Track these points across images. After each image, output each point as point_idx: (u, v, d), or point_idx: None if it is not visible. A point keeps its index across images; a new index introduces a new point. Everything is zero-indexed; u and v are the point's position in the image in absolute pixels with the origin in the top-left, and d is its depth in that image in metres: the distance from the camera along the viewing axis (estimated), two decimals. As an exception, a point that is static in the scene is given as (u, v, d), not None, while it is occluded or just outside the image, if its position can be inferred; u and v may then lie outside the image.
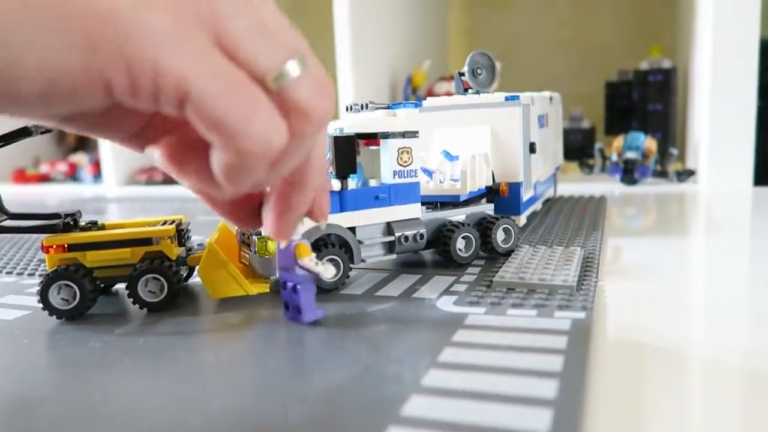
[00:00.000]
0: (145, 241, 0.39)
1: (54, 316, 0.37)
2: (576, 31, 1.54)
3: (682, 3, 1.29)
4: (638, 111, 1.17)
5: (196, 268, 0.41)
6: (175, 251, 0.40)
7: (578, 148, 1.18)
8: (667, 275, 0.44)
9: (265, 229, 0.26)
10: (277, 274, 0.36)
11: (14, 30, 0.18)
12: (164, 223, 0.42)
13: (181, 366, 0.30)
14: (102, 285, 0.40)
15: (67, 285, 0.37)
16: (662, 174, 0.95)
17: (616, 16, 1.50)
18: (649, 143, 0.94)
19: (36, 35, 0.18)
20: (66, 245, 0.38)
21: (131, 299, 0.38)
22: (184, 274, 0.43)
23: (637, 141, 0.93)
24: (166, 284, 0.38)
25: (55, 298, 0.37)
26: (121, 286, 0.43)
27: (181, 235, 0.41)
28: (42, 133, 0.39)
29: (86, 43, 0.19)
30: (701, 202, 0.80)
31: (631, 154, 0.92)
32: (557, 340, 0.30)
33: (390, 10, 1.20)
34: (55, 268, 0.38)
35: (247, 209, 0.26)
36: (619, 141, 0.95)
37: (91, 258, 0.38)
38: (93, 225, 0.41)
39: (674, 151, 0.95)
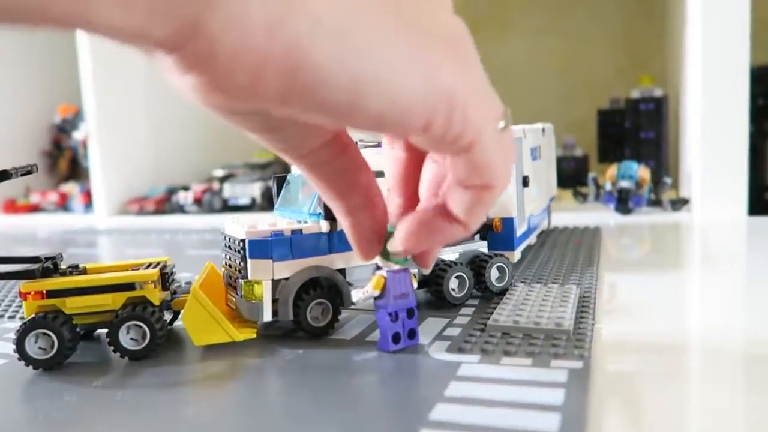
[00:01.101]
0: (128, 286, 0.38)
1: (31, 366, 0.36)
2: (567, 59, 1.55)
3: (671, 32, 1.30)
4: (631, 139, 1.17)
5: (181, 312, 0.40)
6: (158, 296, 0.38)
7: (571, 176, 1.18)
8: (665, 316, 0.43)
9: (401, 242, 0.28)
10: (377, 307, 0.36)
11: (374, 48, 0.18)
12: (148, 266, 0.41)
13: (159, 424, 0.28)
14: (82, 332, 0.38)
15: (45, 334, 0.36)
16: (656, 203, 0.95)
17: (607, 45, 1.52)
18: (643, 172, 0.93)
19: (392, 51, 0.18)
20: (44, 291, 0.37)
21: (112, 347, 0.37)
22: (168, 319, 0.42)
23: (631, 170, 0.93)
24: (148, 331, 0.37)
25: (32, 347, 0.36)
26: (104, 331, 0.42)
27: (165, 278, 0.40)
28: (22, 175, 0.38)
29: (430, 68, 0.20)
30: (696, 232, 0.79)
31: (625, 183, 0.92)
32: (554, 394, 0.29)
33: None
34: (32, 315, 0.36)
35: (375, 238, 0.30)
36: (612, 170, 0.95)
37: (70, 305, 0.37)
38: (74, 269, 0.40)
39: (668, 180, 0.95)
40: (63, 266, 0.40)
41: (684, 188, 1.05)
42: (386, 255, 0.31)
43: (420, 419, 0.27)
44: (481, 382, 0.31)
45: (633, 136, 1.16)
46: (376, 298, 0.36)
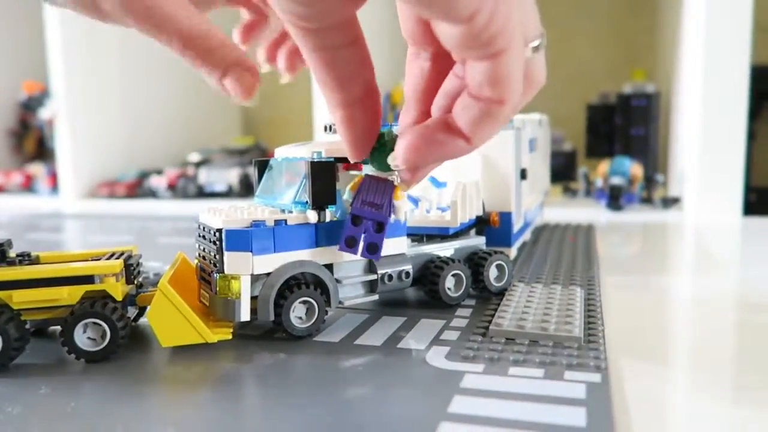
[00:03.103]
0: (86, 279, 0.33)
1: (-30, 369, 0.31)
2: (556, 53, 1.52)
3: (663, 29, 1.28)
4: (621, 135, 1.15)
5: (147, 308, 0.35)
6: (121, 290, 0.34)
7: (560, 171, 1.15)
8: (671, 320, 0.40)
9: (401, 154, 0.27)
10: (350, 209, 0.34)
11: None
12: (111, 257, 0.36)
13: (116, 444, 0.24)
14: (32, 330, 0.34)
15: (-13, 331, 0.31)
16: (647, 200, 0.92)
17: (597, 40, 1.49)
18: (635, 169, 0.91)
19: None
20: (-12, 283, 0.32)
21: (66, 348, 0.32)
22: (132, 316, 0.37)
23: (623, 166, 0.91)
24: (108, 330, 0.32)
25: (-28, 346, 0.31)
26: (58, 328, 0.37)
27: (129, 270, 0.36)
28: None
29: None
30: (691, 232, 0.77)
31: (616, 180, 0.89)
32: (574, 414, 0.25)
33: (370, 26, 1.16)
34: (-27, 310, 0.32)
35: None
36: (604, 166, 0.93)
37: (18, 299, 0.32)
38: (25, 258, 0.35)
39: (660, 178, 0.93)
40: (12, 254, 0.35)
41: (673, 187, 1.03)
42: (376, 159, 0.30)
43: (423, 443, 0.23)
44: (488, 397, 0.27)
45: (623, 132, 1.13)
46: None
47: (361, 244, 0.34)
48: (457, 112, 0.26)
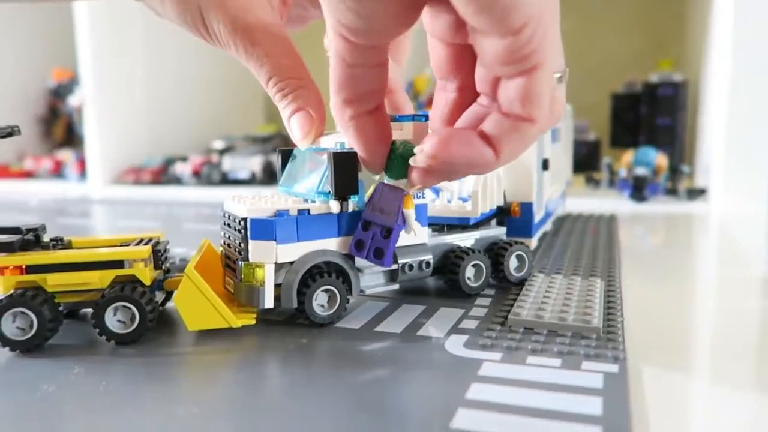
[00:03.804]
0: (116, 263, 0.34)
1: (8, 348, 0.33)
2: (581, 41, 1.50)
3: (691, 17, 1.25)
4: (646, 125, 1.13)
5: (174, 293, 0.36)
6: (149, 275, 0.35)
7: (584, 161, 1.14)
8: (692, 312, 0.40)
9: (429, 147, 0.27)
10: (363, 215, 0.35)
11: None
12: (139, 242, 0.37)
13: (145, 425, 0.25)
14: (65, 312, 0.35)
15: (23, 313, 0.33)
16: (672, 192, 0.91)
17: (623, 28, 1.47)
18: (660, 159, 0.90)
19: None
20: (24, 267, 0.33)
21: (97, 330, 0.33)
22: (160, 300, 0.38)
23: (648, 156, 0.89)
24: (137, 314, 0.34)
25: (9, 327, 0.33)
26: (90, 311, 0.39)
27: (157, 256, 0.37)
28: (1, 137, 0.34)
29: None
30: (716, 224, 0.76)
31: (641, 171, 0.88)
32: (591, 403, 0.25)
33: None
34: (10, 292, 0.33)
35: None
36: (628, 156, 0.91)
37: (52, 282, 0.34)
38: (58, 242, 0.37)
39: (686, 169, 0.91)
40: (46, 239, 0.36)
41: (700, 178, 1.01)
42: (388, 167, 0.32)
43: (440, 428, 0.24)
44: (506, 385, 0.28)
45: (649, 121, 1.12)
46: None
47: (369, 248, 0.35)
48: (487, 125, 0.27)
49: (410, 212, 0.35)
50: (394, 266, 0.38)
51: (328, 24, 0.26)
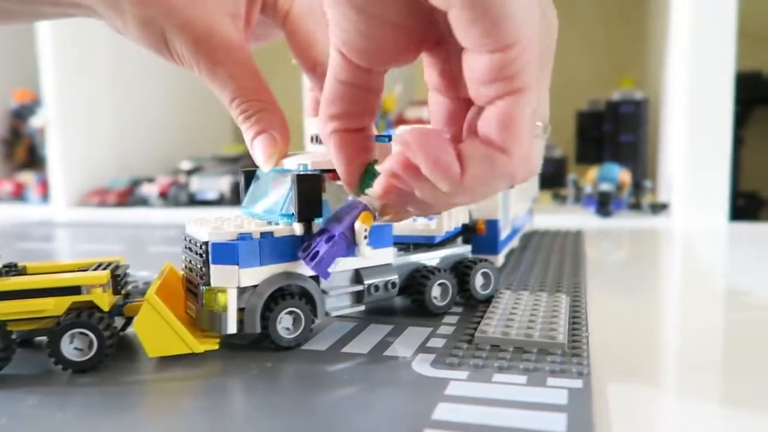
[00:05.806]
0: (73, 289, 0.33)
1: (-44, 380, 0.31)
2: (546, 59, 1.53)
3: (651, 36, 1.29)
4: (609, 142, 1.16)
5: (134, 318, 0.35)
6: (108, 301, 0.34)
7: (550, 178, 1.16)
8: (656, 326, 0.41)
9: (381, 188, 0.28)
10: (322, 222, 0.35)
11: None
12: (98, 267, 0.36)
13: (101, 455, 0.24)
14: (18, 340, 0.34)
15: (-27, 343, 0.31)
16: (636, 206, 0.93)
17: (586, 48, 1.51)
18: (624, 175, 0.92)
19: None
20: (-26, 294, 0.32)
21: (52, 358, 0.32)
22: (119, 326, 0.37)
23: (612, 173, 0.91)
24: (95, 340, 0.33)
25: (-42, 358, 0.31)
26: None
27: (117, 281, 0.36)
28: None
29: (533, 10, 0.24)
30: (679, 238, 0.77)
31: (605, 186, 0.90)
32: (555, 419, 0.25)
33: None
34: (-41, 321, 0.32)
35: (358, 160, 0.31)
36: (593, 172, 0.93)
37: (4, 310, 0.32)
38: (11, 269, 0.36)
39: (648, 184, 0.94)
40: (-1, 265, 0.35)
41: (662, 192, 1.04)
42: (361, 183, 0.31)
43: (405, 451, 0.23)
44: (472, 404, 0.27)
45: (612, 138, 1.14)
46: None
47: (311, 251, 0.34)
48: (463, 145, 0.26)
49: (361, 226, 0.33)
50: (360, 287, 0.37)
51: (330, 35, 0.27)
